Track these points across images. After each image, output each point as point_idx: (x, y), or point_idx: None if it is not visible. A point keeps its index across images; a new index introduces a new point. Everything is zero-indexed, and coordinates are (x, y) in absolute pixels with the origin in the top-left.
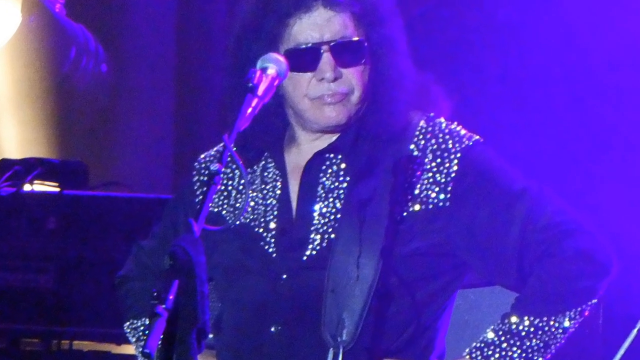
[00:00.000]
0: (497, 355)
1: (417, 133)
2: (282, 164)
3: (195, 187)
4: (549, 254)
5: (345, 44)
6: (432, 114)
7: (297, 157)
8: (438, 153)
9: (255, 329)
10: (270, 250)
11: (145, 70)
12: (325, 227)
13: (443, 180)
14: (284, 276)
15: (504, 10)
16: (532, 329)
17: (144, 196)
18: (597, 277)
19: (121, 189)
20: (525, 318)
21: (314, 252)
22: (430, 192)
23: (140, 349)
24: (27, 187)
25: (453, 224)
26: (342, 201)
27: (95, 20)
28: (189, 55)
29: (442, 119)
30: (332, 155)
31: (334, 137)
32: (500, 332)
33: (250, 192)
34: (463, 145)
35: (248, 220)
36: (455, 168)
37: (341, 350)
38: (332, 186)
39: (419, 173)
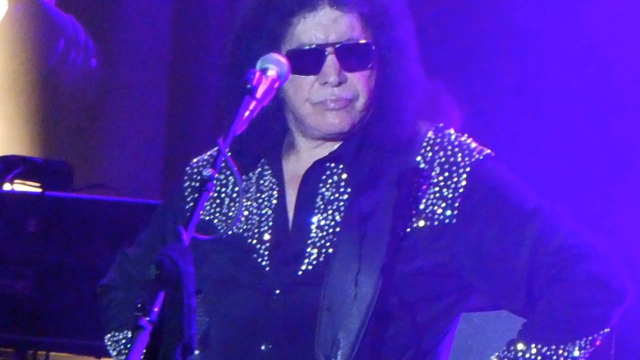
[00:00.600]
0: None
1: (425, 144)
2: (279, 172)
3: (186, 193)
4: (560, 279)
5: (351, 47)
6: (441, 125)
7: (296, 165)
8: (446, 166)
9: (244, 347)
10: (264, 263)
11: (138, 66)
12: (322, 241)
13: (450, 195)
14: (277, 291)
15: (523, 17)
16: (539, 358)
17: (131, 200)
18: (610, 304)
19: (107, 192)
20: (533, 346)
21: (309, 267)
22: (436, 207)
23: None
24: (6, 187)
25: (459, 242)
26: (342, 214)
27: (86, 11)
28: (185, 52)
29: (452, 131)
30: (333, 165)
31: (335, 146)
32: None
33: (245, 200)
34: (473, 159)
35: (241, 230)
36: (463, 183)
37: None
38: (332, 197)
39: (425, 187)
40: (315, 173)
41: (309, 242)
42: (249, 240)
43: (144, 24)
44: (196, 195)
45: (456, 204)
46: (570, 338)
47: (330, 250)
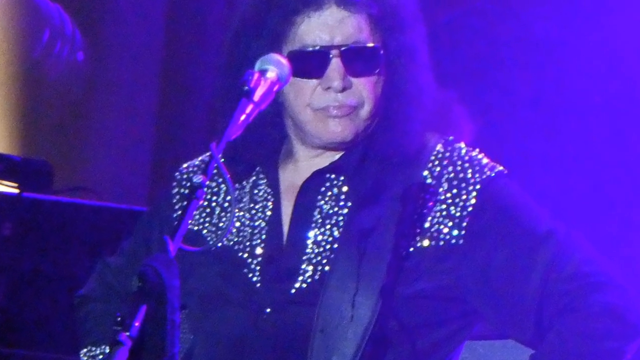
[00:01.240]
0: None
1: (433, 158)
2: (275, 182)
3: (174, 201)
4: (573, 309)
5: (358, 50)
6: (451, 138)
7: (294, 175)
8: (455, 183)
9: None
10: (255, 279)
11: (127, 61)
12: (319, 258)
13: (458, 214)
14: (268, 310)
15: (541, 25)
16: None
17: (114, 206)
18: (625, 338)
19: (89, 195)
20: None
21: (304, 285)
22: (442, 226)
23: None
24: None
25: (466, 265)
26: (341, 229)
27: (74, 0)
28: (178, 48)
29: (463, 144)
30: (333, 176)
31: (337, 156)
32: None
33: (237, 211)
34: (484, 176)
35: (232, 243)
36: (472, 201)
37: None
38: (331, 211)
39: (431, 204)
40: (313, 184)
41: (304, 258)
42: (240, 254)
43: (135, 17)
44: (185, 203)
45: (464, 224)
46: None
47: (327, 268)
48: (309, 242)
